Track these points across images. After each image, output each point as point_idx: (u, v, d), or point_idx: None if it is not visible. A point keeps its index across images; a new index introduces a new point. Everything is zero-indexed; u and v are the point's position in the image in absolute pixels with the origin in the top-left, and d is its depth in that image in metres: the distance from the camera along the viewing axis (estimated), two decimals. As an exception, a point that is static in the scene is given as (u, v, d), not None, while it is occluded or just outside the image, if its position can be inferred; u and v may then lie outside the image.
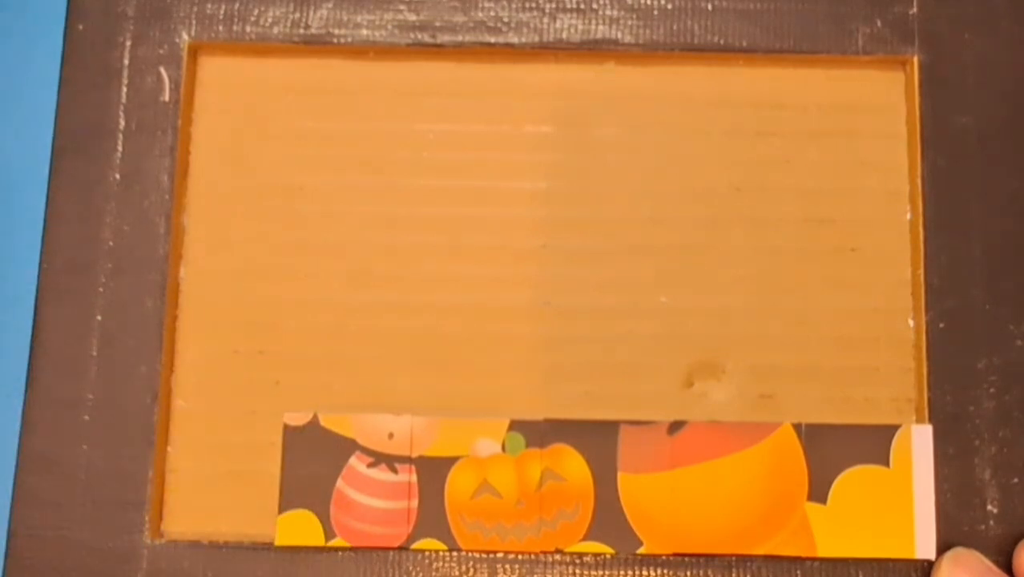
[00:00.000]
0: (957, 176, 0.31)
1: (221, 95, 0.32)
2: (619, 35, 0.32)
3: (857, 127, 0.32)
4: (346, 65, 0.33)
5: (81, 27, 0.32)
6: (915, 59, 0.32)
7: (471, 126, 0.32)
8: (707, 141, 0.32)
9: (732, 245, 0.31)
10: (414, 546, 0.30)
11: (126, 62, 0.32)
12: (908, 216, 0.32)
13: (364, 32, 0.32)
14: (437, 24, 0.32)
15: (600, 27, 0.32)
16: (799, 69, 0.32)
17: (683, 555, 0.30)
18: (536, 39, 0.32)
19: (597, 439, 0.30)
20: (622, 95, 0.32)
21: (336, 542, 0.30)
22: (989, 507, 0.30)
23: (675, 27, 0.32)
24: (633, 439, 0.30)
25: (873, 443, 0.30)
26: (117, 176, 0.31)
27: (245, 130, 0.32)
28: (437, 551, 0.30)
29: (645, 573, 0.30)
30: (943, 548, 0.29)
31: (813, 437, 0.30)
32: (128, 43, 0.32)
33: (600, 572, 0.30)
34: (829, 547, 0.29)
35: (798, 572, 0.29)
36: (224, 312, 0.31)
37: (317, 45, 0.32)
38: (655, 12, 0.32)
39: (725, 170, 0.32)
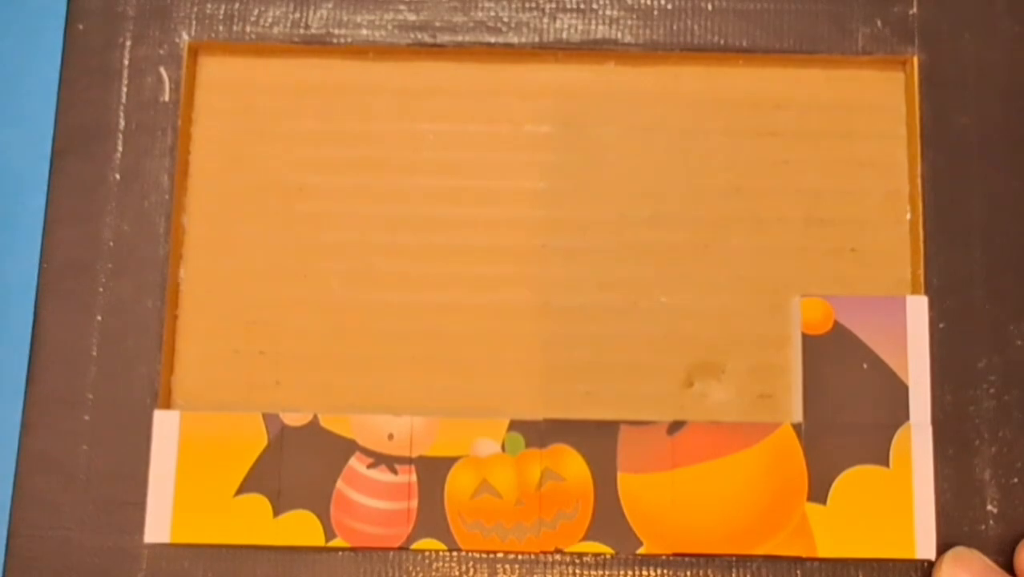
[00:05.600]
0: (957, 176, 0.31)
1: (221, 95, 0.32)
2: (619, 35, 0.32)
3: (857, 127, 0.32)
4: (346, 65, 0.33)
5: (81, 27, 0.32)
6: (915, 59, 0.32)
7: (471, 126, 0.32)
8: (707, 141, 0.32)
9: (732, 245, 0.31)
10: (414, 546, 0.30)
11: (126, 62, 0.32)
12: (908, 216, 0.32)
13: (364, 32, 0.32)
14: (437, 24, 0.32)
15: (600, 27, 0.32)
16: (799, 69, 0.32)
17: (683, 555, 0.30)
18: (536, 39, 0.32)
19: (597, 439, 0.30)
20: (622, 95, 0.32)
21: (336, 542, 0.30)
22: (989, 507, 0.30)
23: (675, 27, 0.32)
24: (633, 439, 0.30)
25: (873, 443, 0.30)
26: (117, 176, 0.31)
27: (245, 130, 0.32)
28: (437, 551, 0.30)
29: (645, 573, 0.30)
30: (943, 548, 0.29)
31: (813, 437, 0.30)
32: (128, 43, 0.32)
33: (600, 572, 0.30)
34: (829, 547, 0.29)
35: (798, 572, 0.29)
36: (224, 312, 0.31)
37: (317, 45, 0.32)
38: (655, 12, 0.32)
39: (725, 170, 0.32)
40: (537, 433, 0.30)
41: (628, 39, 0.32)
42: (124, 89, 0.32)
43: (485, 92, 0.32)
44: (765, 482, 0.30)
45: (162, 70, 0.32)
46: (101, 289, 0.31)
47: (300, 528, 0.30)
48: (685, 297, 0.31)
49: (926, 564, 0.29)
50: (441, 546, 0.30)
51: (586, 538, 0.30)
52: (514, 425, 0.30)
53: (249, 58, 0.33)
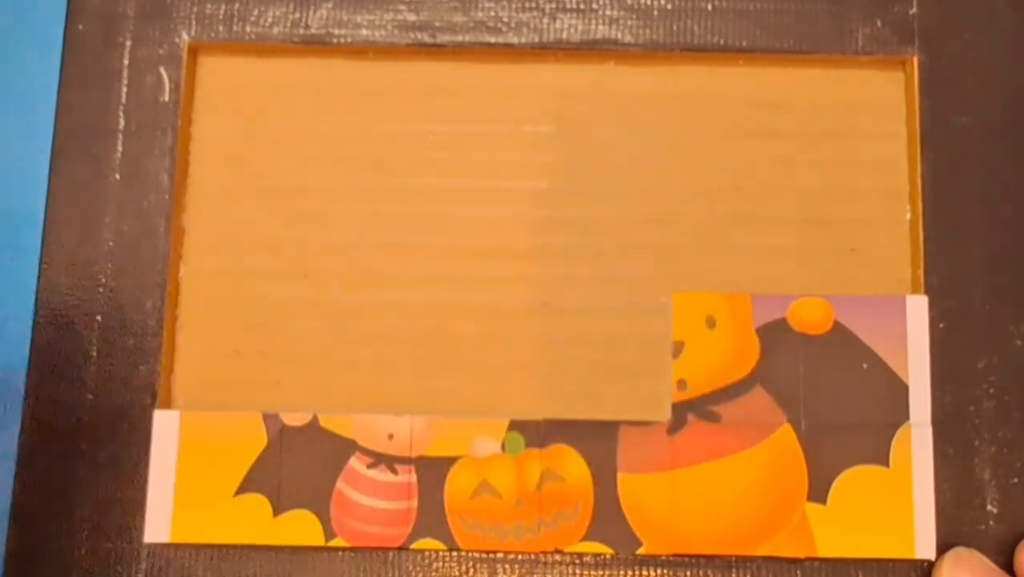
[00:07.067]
0: (957, 176, 0.31)
1: (221, 95, 0.32)
2: (619, 35, 0.32)
3: (857, 127, 0.32)
4: (346, 65, 0.33)
5: (81, 27, 0.32)
6: (915, 59, 0.32)
7: (471, 126, 0.32)
8: (707, 141, 0.32)
9: (732, 245, 0.31)
10: (414, 546, 0.30)
11: (126, 62, 0.32)
12: (908, 216, 0.32)
13: (364, 32, 0.32)
14: (437, 24, 0.32)
15: (600, 27, 0.32)
16: (799, 69, 0.32)
17: (683, 555, 0.30)
18: (536, 39, 0.32)
19: (597, 439, 0.30)
20: (622, 95, 0.32)
21: (336, 542, 0.30)
22: (989, 507, 0.30)
23: (675, 27, 0.32)
24: (633, 439, 0.30)
25: (873, 443, 0.30)
26: (117, 176, 0.31)
27: (245, 130, 0.32)
28: (437, 551, 0.30)
29: (645, 573, 0.30)
30: (943, 548, 0.29)
31: (813, 437, 0.30)
32: (128, 43, 0.32)
33: (600, 572, 0.30)
34: (829, 547, 0.29)
35: (798, 572, 0.29)
36: (224, 312, 0.31)
37: (317, 45, 0.32)
38: (655, 12, 0.32)
39: (725, 170, 0.32)
40: (537, 433, 0.30)
41: (628, 39, 0.32)
42: (124, 89, 0.32)
43: (485, 92, 0.32)
44: (765, 482, 0.30)
45: (162, 70, 0.32)
46: (101, 289, 0.31)
47: (300, 528, 0.30)
48: (685, 297, 0.31)
49: (926, 564, 0.29)
50: (441, 546, 0.30)
51: (586, 538, 0.30)
52: (514, 425, 0.30)
53: (249, 58, 0.33)
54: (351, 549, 0.30)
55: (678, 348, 0.31)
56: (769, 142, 0.32)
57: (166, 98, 0.32)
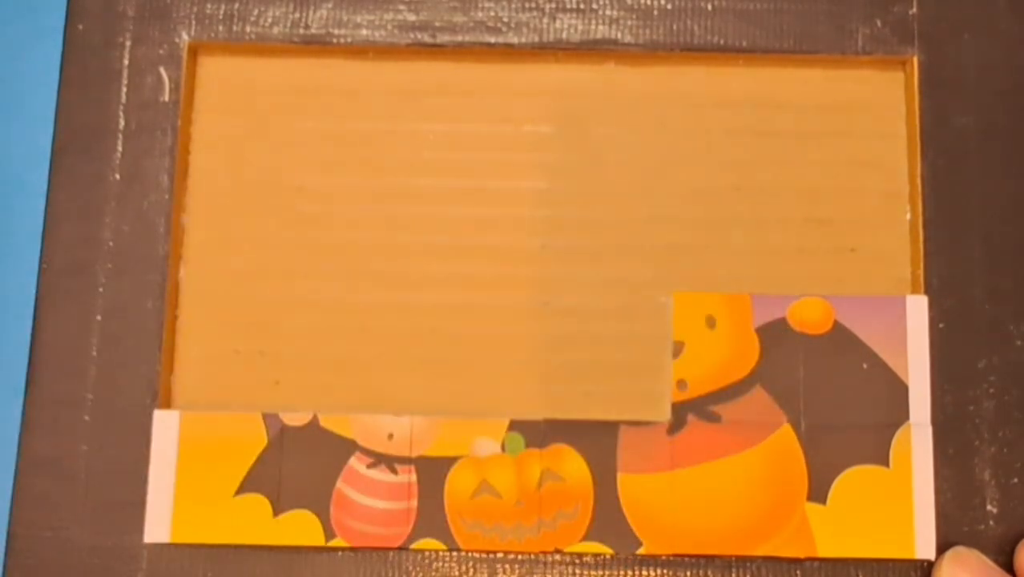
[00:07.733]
0: (957, 176, 0.31)
1: (221, 95, 0.32)
2: (619, 35, 0.32)
3: (857, 127, 0.32)
4: (346, 65, 0.33)
5: (81, 27, 0.32)
6: (915, 59, 0.32)
7: (471, 126, 0.32)
8: (707, 141, 0.32)
9: (732, 245, 0.31)
10: (414, 546, 0.30)
11: (126, 62, 0.32)
12: (908, 216, 0.32)
13: (364, 32, 0.32)
14: (437, 24, 0.32)
15: (600, 27, 0.32)
16: (799, 69, 0.32)
17: (683, 555, 0.30)
18: (536, 39, 0.32)
19: (597, 439, 0.30)
20: (622, 95, 0.32)
21: (336, 542, 0.30)
22: (989, 507, 0.30)
23: (675, 27, 0.32)
24: (633, 439, 0.30)
25: (873, 443, 0.30)
26: (117, 176, 0.31)
27: (245, 130, 0.32)
28: (437, 551, 0.30)
29: (645, 573, 0.30)
30: (943, 548, 0.29)
31: (813, 437, 0.30)
32: (128, 43, 0.32)
33: (599, 572, 0.30)
34: (829, 547, 0.29)
35: (798, 572, 0.29)
36: (224, 312, 0.31)
37: (317, 45, 0.32)
38: (655, 12, 0.32)
39: (725, 170, 0.32)
40: (537, 433, 0.30)
41: (628, 39, 0.32)
42: (124, 89, 0.32)
43: (485, 92, 0.32)
44: (765, 482, 0.30)
45: (162, 70, 0.32)
46: (101, 289, 0.31)
47: (300, 528, 0.30)
48: (685, 297, 0.31)
49: (926, 564, 0.29)
50: (441, 546, 0.30)
51: (586, 538, 0.30)
52: (514, 425, 0.30)
53: (249, 58, 0.33)
54: (351, 549, 0.30)
55: (678, 348, 0.31)
56: (769, 142, 0.32)
57: (166, 98, 0.32)
